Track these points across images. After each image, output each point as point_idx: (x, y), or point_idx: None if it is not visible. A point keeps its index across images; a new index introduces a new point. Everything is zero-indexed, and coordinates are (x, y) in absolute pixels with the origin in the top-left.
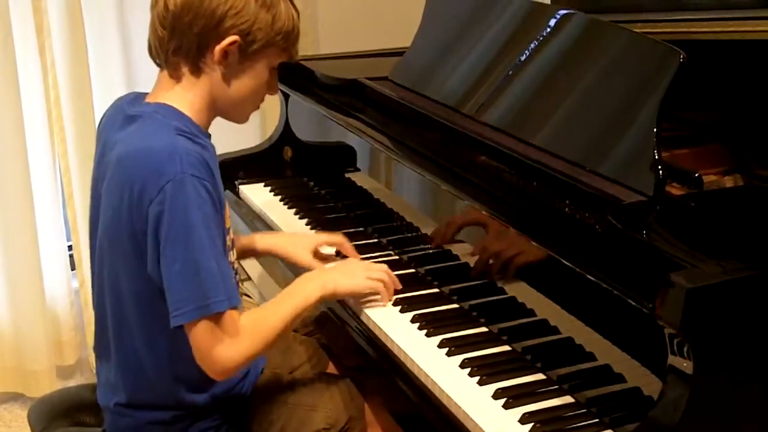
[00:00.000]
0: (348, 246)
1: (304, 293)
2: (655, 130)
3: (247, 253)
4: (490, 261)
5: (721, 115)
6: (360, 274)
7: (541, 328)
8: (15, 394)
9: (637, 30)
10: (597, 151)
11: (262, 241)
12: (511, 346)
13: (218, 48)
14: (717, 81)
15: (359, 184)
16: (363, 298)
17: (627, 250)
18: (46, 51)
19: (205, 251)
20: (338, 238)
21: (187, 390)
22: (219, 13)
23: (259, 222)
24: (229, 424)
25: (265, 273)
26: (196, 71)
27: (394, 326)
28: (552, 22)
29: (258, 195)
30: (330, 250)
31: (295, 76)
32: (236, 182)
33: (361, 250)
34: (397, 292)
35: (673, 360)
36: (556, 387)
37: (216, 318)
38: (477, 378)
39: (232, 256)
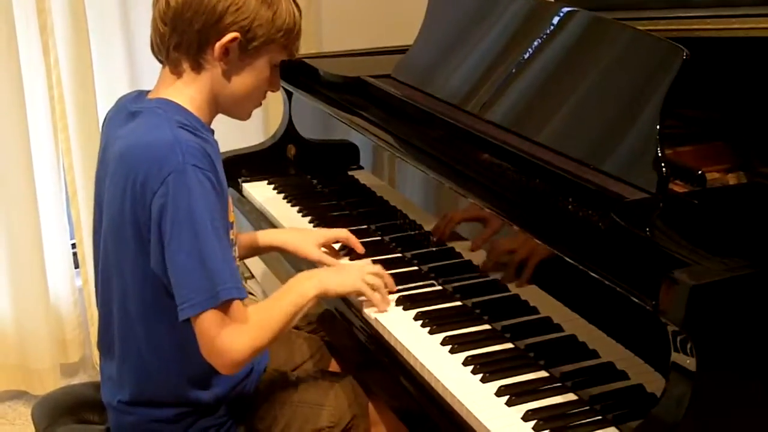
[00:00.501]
0: (353, 240)
1: (300, 291)
2: (658, 127)
3: (250, 251)
4: (493, 259)
5: (724, 113)
6: (355, 275)
7: (544, 326)
8: (19, 392)
9: (640, 27)
10: (600, 148)
11: (267, 236)
12: (514, 344)
13: (218, 44)
14: (720, 78)
15: (362, 182)
16: (360, 296)
17: (630, 248)
18: (50, 49)
19: (210, 241)
20: (343, 233)
21: (191, 387)
22: (219, 9)
23: (262, 220)
24: (232, 421)
25: (268, 271)
26: (197, 67)
27: (398, 324)
28: (555, 20)
29: (261, 193)
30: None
31: (299, 74)
32: (240, 180)
33: (364, 247)
34: (400, 289)
35: (676, 357)
36: (559, 384)
37: (224, 308)
38: (480, 375)
39: (234, 252)
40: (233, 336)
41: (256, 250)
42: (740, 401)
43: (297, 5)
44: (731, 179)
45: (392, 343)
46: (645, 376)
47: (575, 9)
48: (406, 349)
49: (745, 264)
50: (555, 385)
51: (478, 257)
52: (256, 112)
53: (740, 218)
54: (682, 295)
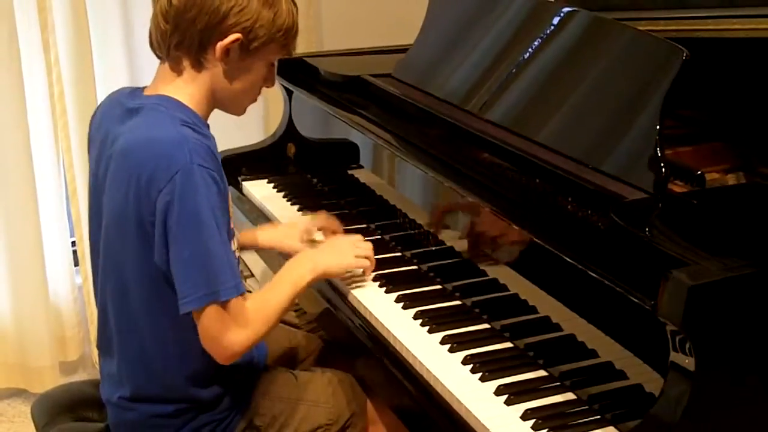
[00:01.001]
0: (333, 222)
1: (296, 275)
2: (657, 127)
3: (246, 247)
4: (493, 258)
5: (723, 113)
6: (348, 251)
7: (543, 325)
8: (18, 390)
9: (640, 27)
10: (600, 148)
11: (247, 238)
12: (513, 343)
13: (220, 45)
14: (720, 79)
15: (362, 181)
16: (353, 281)
17: (629, 248)
18: (51, 48)
19: (214, 239)
20: (322, 218)
21: (191, 382)
22: (223, 10)
23: (261, 218)
24: (232, 417)
25: (268, 270)
26: (198, 66)
27: (397, 322)
28: (555, 20)
29: (261, 191)
30: (321, 237)
31: (299, 73)
32: (239, 178)
33: None
34: (400, 288)
35: (674, 357)
36: (558, 384)
37: (225, 303)
38: (479, 374)
39: (234, 245)
40: (233, 331)
41: (251, 247)
42: (739, 401)
43: (295, 4)
44: (730, 179)
45: (391, 341)
46: (644, 376)
47: (575, 9)
48: (405, 347)
49: (744, 264)
50: (554, 384)
51: (477, 257)
52: (256, 111)
53: (739, 218)
54: (681, 294)
